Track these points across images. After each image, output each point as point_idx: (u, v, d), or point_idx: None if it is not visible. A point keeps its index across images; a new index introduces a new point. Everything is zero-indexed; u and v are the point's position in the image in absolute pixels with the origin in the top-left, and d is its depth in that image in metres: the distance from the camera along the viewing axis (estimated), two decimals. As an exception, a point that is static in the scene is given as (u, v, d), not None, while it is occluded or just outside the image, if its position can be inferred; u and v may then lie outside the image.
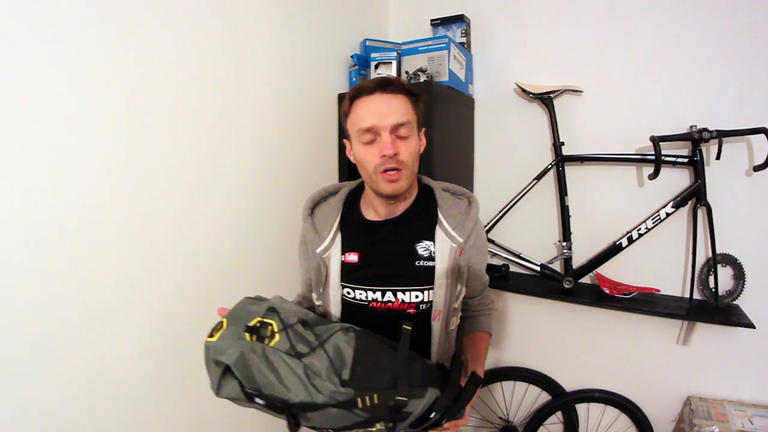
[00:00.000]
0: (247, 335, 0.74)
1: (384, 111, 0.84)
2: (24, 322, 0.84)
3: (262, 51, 1.30)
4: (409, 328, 0.79)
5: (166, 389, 1.11)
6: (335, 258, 0.93)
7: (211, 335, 0.75)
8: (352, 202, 0.99)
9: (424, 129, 0.95)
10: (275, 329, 0.75)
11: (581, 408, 1.71)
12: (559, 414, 1.74)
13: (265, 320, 0.76)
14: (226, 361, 0.71)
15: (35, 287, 0.85)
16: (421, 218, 0.94)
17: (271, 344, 0.74)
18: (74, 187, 0.89)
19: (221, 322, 0.77)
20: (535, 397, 1.80)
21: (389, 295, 0.91)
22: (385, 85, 0.86)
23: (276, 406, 0.72)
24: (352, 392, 0.72)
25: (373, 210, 0.96)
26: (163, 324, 1.09)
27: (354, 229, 0.95)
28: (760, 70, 1.31)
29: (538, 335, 1.76)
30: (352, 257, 0.93)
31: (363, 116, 0.86)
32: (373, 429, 0.76)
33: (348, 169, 1.61)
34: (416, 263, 0.91)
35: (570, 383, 1.72)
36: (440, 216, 0.93)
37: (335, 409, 0.71)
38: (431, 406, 0.76)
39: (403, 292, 0.91)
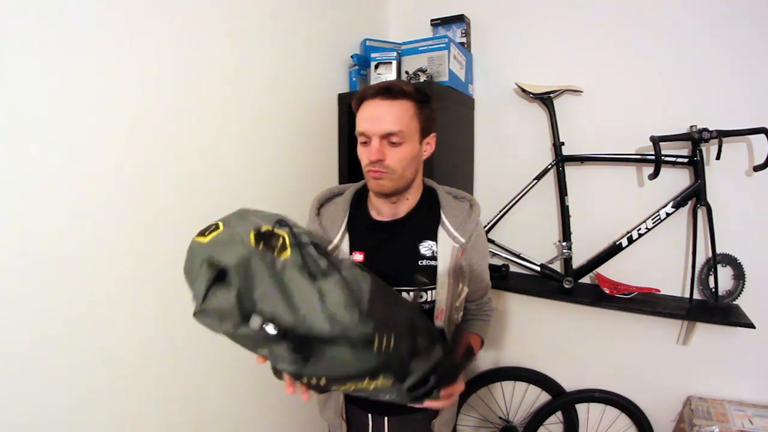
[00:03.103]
0: (253, 239, 0.59)
1: (378, 118, 0.86)
2: (24, 323, 0.84)
3: (262, 51, 1.30)
4: (426, 280, 0.82)
5: (167, 390, 1.11)
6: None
7: (201, 234, 0.61)
8: (359, 203, 1.00)
9: (433, 134, 0.95)
10: (287, 242, 0.62)
11: (581, 408, 1.71)
12: (559, 414, 1.74)
13: (275, 231, 0.63)
14: (224, 261, 0.57)
15: (35, 288, 0.85)
16: (425, 219, 0.95)
17: (282, 258, 0.61)
18: (74, 187, 0.89)
19: (216, 224, 0.63)
20: (535, 397, 1.80)
21: None
22: (386, 91, 0.87)
23: (277, 331, 0.58)
24: (370, 328, 0.61)
25: (378, 210, 0.97)
26: (165, 325, 1.09)
27: (361, 229, 0.96)
28: (760, 70, 1.31)
29: (538, 335, 1.76)
30: (359, 257, 0.94)
31: (361, 119, 0.89)
32: (371, 386, 0.66)
33: (348, 170, 1.61)
34: (419, 263, 0.92)
35: (570, 383, 1.72)
36: (443, 216, 0.95)
37: (345, 348, 0.60)
38: (432, 367, 0.70)
39: (407, 292, 0.92)
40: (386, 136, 0.86)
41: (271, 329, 0.57)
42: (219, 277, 0.58)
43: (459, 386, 0.81)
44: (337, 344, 0.60)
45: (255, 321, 0.57)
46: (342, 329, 0.59)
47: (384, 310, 0.65)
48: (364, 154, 0.89)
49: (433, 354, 0.71)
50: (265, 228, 0.61)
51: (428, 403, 0.75)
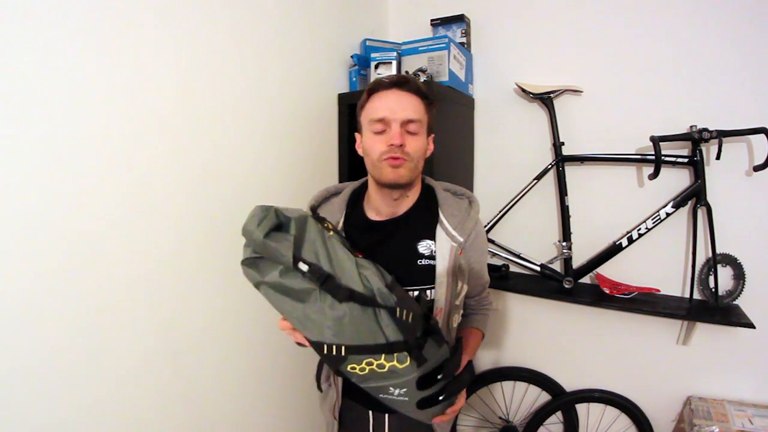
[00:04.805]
0: (310, 211, 0.79)
1: (397, 106, 0.87)
2: (25, 324, 0.84)
3: (263, 51, 1.30)
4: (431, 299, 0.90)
5: (167, 391, 1.11)
6: None
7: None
8: (355, 203, 0.99)
9: (433, 135, 0.96)
10: (330, 227, 0.80)
11: (581, 408, 1.71)
12: (559, 414, 1.74)
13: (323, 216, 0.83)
14: (288, 214, 0.72)
15: (35, 289, 0.85)
16: (423, 217, 0.95)
17: (328, 233, 0.77)
18: (75, 188, 0.89)
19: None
20: (535, 397, 1.80)
21: None
22: (402, 83, 0.89)
23: (318, 274, 0.70)
24: (394, 300, 0.73)
25: (376, 210, 0.96)
26: (165, 327, 1.09)
27: (357, 229, 0.96)
28: (760, 70, 1.31)
29: (538, 335, 1.76)
30: None
31: (377, 107, 0.88)
32: (387, 365, 0.73)
33: (348, 170, 1.61)
34: (418, 262, 0.92)
35: (570, 383, 1.72)
36: (441, 215, 0.94)
37: (370, 312, 0.71)
38: (441, 365, 0.78)
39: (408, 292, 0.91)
40: (406, 123, 0.87)
41: (314, 274, 0.69)
42: (278, 227, 0.71)
43: (461, 402, 0.88)
44: (364, 305, 0.71)
45: (304, 266, 0.69)
46: (371, 292, 0.71)
47: (403, 293, 0.77)
48: (380, 142, 0.88)
49: (442, 349, 0.78)
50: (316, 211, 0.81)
51: (435, 420, 0.85)
